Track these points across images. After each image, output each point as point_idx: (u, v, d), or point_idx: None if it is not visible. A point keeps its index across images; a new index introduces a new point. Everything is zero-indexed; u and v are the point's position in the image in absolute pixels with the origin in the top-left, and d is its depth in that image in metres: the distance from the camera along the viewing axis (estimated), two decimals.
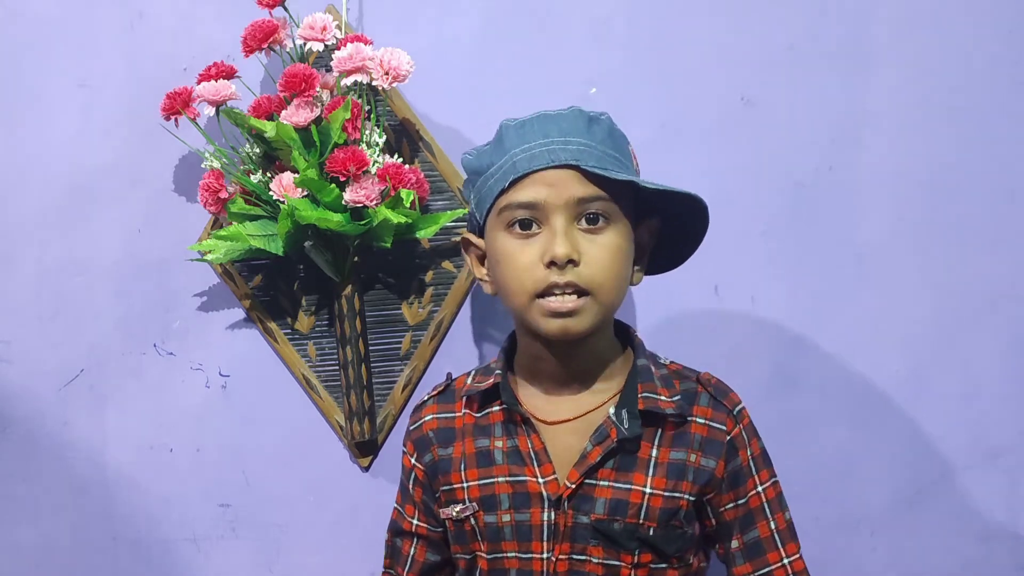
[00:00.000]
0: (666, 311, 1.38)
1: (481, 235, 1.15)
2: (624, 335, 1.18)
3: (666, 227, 1.16)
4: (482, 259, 1.16)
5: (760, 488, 1.13)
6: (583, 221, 1.08)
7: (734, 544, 1.13)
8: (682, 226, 1.15)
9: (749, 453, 1.13)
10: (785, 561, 1.13)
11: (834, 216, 1.38)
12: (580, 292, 1.07)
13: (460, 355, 1.38)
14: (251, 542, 1.40)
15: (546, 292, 1.07)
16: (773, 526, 1.13)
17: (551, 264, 1.06)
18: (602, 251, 1.07)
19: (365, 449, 1.39)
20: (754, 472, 1.13)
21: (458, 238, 1.37)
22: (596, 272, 1.07)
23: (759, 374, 1.38)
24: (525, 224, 1.08)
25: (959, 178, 1.38)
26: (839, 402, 1.39)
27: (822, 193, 1.38)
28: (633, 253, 1.12)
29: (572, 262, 1.06)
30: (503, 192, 1.09)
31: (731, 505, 1.12)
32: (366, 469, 1.40)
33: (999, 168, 1.38)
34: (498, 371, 1.15)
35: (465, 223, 1.37)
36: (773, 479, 1.14)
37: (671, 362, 1.18)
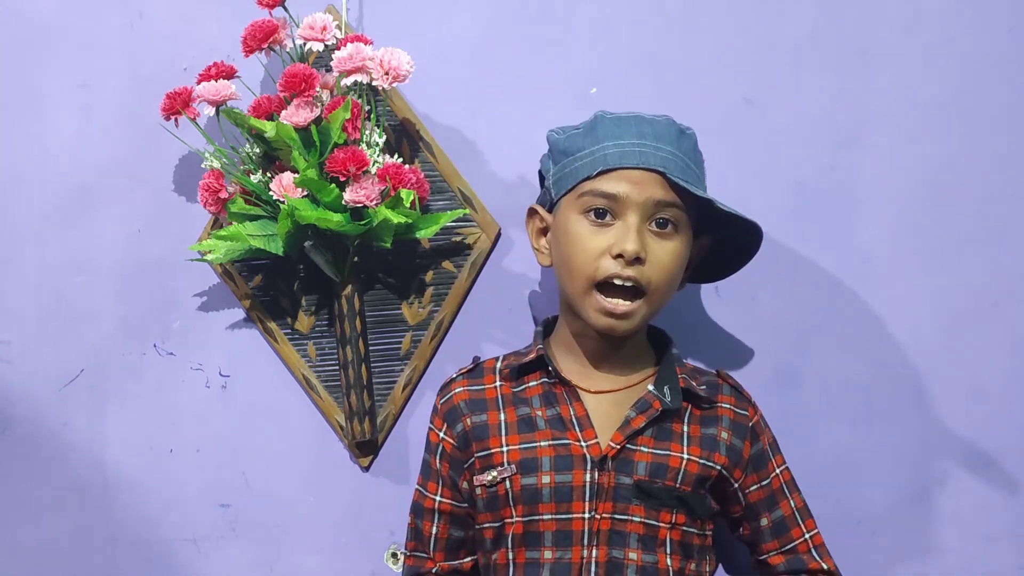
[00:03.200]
0: (667, 311, 1.38)
1: (549, 210, 1.21)
2: (656, 332, 1.27)
3: (712, 248, 1.24)
4: (543, 231, 1.23)
5: (778, 471, 1.24)
6: (653, 224, 1.15)
7: (763, 523, 1.23)
8: (725, 251, 1.24)
9: (767, 439, 1.24)
10: (807, 536, 1.24)
11: (836, 216, 1.38)
12: (636, 292, 1.15)
13: (460, 355, 1.38)
14: (251, 542, 1.40)
15: (605, 282, 1.14)
16: (793, 505, 1.24)
17: (619, 256, 1.13)
18: (667, 256, 1.16)
19: (365, 449, 1.39)
20: (771, 456, 1.24)
21: (458, 238, 1.37)
22: (657, 273, 1.15)
23: (760, 374, 1.38)
24: (600, 213, 1.15)
25: (960, 178, 1.38)
26: (840, 402, 1.38)
27: (824, 193, 1.38)
28: (687, 264, 1.20)
29: (639, 259, 1.13)
30: (588, 179, 1.15)
31: (755, 487, 1.22)
32: (366, 469, 1.40)
33: (1000, 168, 1.38)
34: (539, 346, 1.21)
35: (465, 223, 1.38)
36: (785, 464, 1.26)
37: (688, 362, 1.27)
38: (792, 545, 1.23)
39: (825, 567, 1.23)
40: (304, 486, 1.39)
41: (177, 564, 1.40)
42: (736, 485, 1.21)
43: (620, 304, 1.15)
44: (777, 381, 1.38)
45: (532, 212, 1.24)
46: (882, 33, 1.38)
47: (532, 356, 1.21)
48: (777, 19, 1.39)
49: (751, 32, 1.39)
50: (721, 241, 1.23)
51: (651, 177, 1.14)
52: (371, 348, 1.36)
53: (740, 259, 1.25)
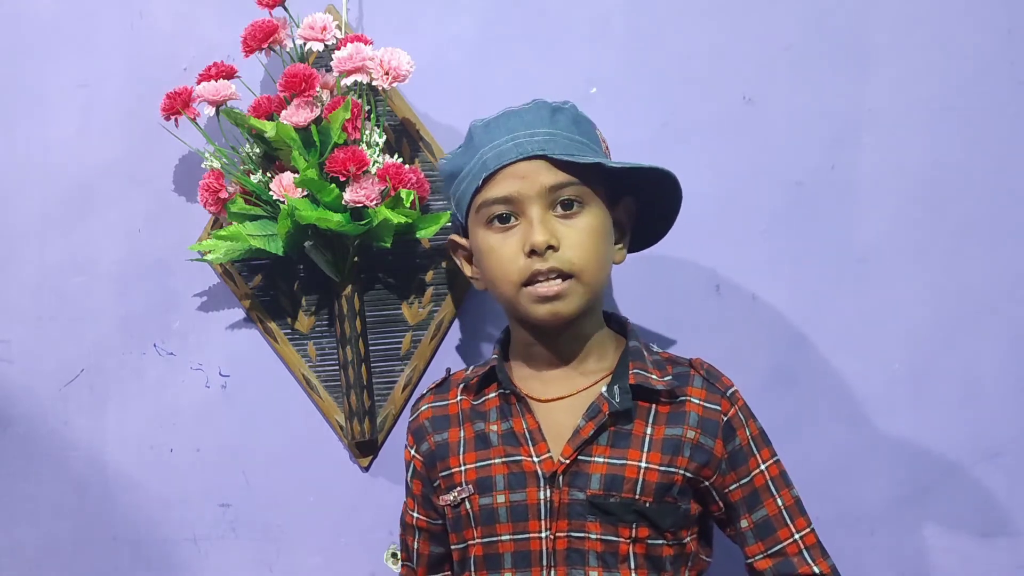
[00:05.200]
0: (667, 311, 1.38)
1: (466, 235, 1.20)
2: (619, 325, 1.21)
3: (644, 205, 1.19)
4: (470, 258, 1.21)
5: (763, 467, 1.15)
6: (558, 208, 1.12)
7: (743, 524, 1.15)
8: (659, 202, 1.18)
9: (748, 433, 1.15)
10: (796, 536, 1.15)
11: (835, 215, 1.38)
12: (563, 276, 1.11)
13: (460, 355, 1.38)
14: (251, 542, 1.40)
15: (531, 280, 1.11)
16: (780, 503, 1.15)
17: (532, 253, 1.10)
18: (579, 234, 1.11)
19: (365, 449, 1.39)
20: (755, 451, 1.16)
21: None
22: (576, 255, 1.11)
23: (760, 373, 1.38)
24: (503, 218, 1.13)
25: (959, 178, 1.38)
26: (839, 401, 1.39)
27: (823, 192, 1.38)
28: (612, 233, 1.16)
29: (552, 248, 1.10)
30: (478, 191, 1.14)
31: (735, 486, 1.14)
32: (366, 469, 1.40)
33: (999, 168, 1.38)
34: (493, 356, 1.18)
35: None
36: (775, 458, 1.17)
37: (663, 351, 1.21)
38: (779, 547, 1.14)
39: (817, 571, 1.14)
40: (304, 486, 1.40)
41: (177, 563, 1.40)
42: (707, 484, 1.13)
43: (552, 285, 1.10)
44: (776, 381, 1.38)
45: (453, 244, 1.22)
46: (881, 33, 1.38)
47: (485, 369, 1.18)
48: (776, 18, 1.38)
49: (750, 31, 1.39)
50: (648, 196, 1.18)
51: (535, 165, 1.11)
52: (371, 348, 1.36)
53: (671, 211, 1.18)
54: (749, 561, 1.16)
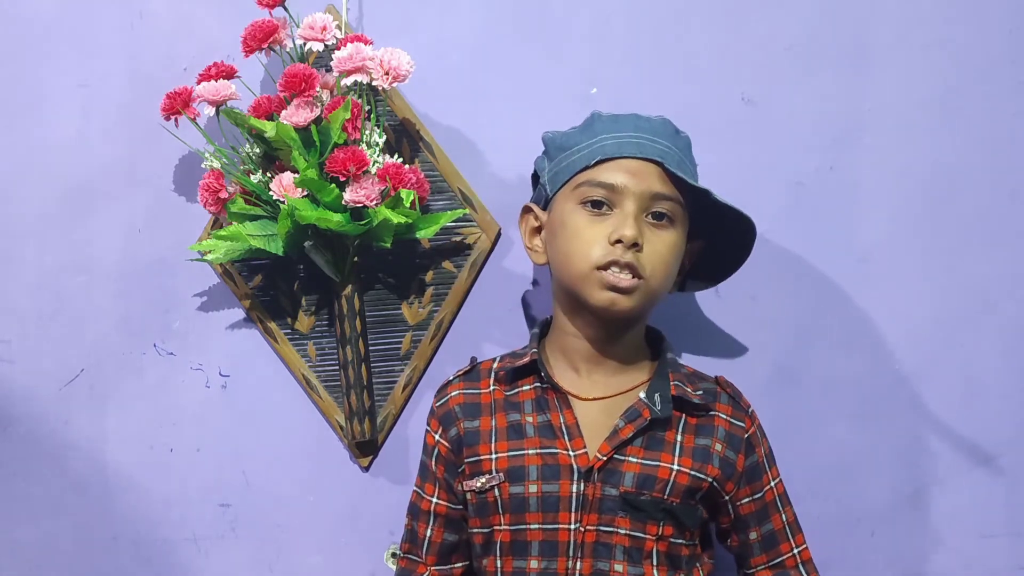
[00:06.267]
0: (667, 310, 1.38)
1: (544, 208, 1.22)
2: (654, 337, 1.25)
3: (703, 255, 1.25)
4: (537, 230, 1.23)
5: (772, 484, 1.22)
6: (650, 216, 1.16)
7: (752, 536, 1.21)
8: (719, 260, 1.25)
9: (762, 451, 1.22)
10: (795, 551, 1.22)
11: (835, 216, 1.39)
12: (636, 275, 1.14)
13: (460, 355, 1.38)
14: (251, 542, 1.40)
15: (607, 266, 1.14)
16: (784, 519, 1.22)
17: (617, 242, 1.14)
18: (663, 246, 1.16)
19: (365, 449, 1.39)
20: (767, 469, 1.22)
21: (458, 238, 1.38)
22: (654, 262, 1.15)
23: (760, 373, 1.38)
24: (597, 204, 1.16)
25: (959, 178, 1.39)
26: (840, 401, 1.39)
27: (823, 193, 1.38)
28: (680, 260, 1.20)
29: (636, 245, 1.14)
30: (585, 169, 1.17)
31: (747, 499, 1.20)
32: (366, 469, 1.40)
33: (999, 168, 1.39)
34: (534, 349, 1.20)
35: (465, 223, 1.38)
36: (779, 477, 1.23)
37: (688, 366, 1.25)
38: (780, 560, 1.21)
39: None
40: (304, 486, 1.40)
41: (177, 563, 1.40)
42: (727, 497, 1.19)
43: (623, 277, 1.14)
44: (776, 381, 1.38)
45: (527, 210, 1.24)
46: (881, 33, 1.39)
47: (526, 360, 1.20)
48: (775, 19, 1.39)
49: (750, 32, 1.39)
50: (713, 245, 1.24)
51: (649, 168, 1.15)
52: (371, 348, 1.37)
53: (734, 261, 1.25)
54: (750, 571, 1.23)
